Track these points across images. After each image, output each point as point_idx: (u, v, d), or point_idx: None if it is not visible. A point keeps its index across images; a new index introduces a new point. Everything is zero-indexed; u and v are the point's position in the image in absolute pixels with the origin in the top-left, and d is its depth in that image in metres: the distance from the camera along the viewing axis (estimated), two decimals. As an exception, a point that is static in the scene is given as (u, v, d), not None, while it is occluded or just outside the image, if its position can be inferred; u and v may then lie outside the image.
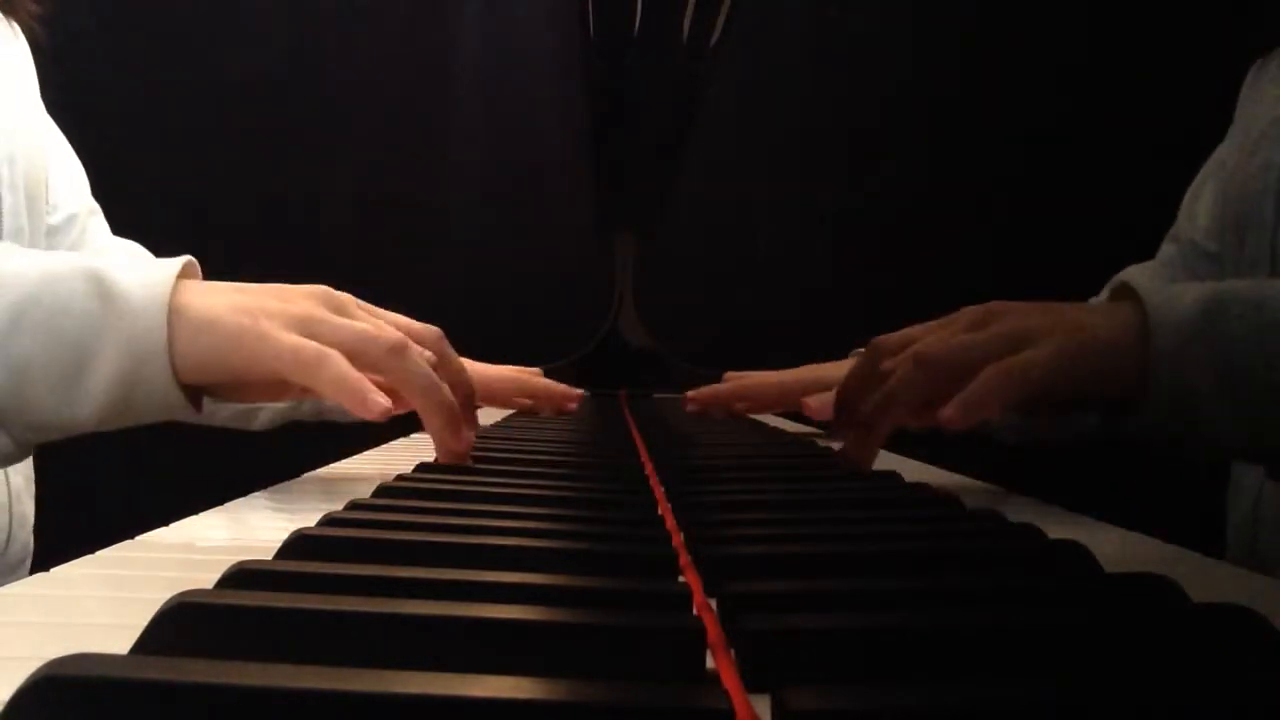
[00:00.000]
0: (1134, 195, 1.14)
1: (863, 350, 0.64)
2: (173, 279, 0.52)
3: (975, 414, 0.49)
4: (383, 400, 0.50)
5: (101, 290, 0.51)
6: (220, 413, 0.89)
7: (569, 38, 1.32)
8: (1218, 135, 0.90)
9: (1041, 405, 0.53)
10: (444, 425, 0.55)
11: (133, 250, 0.95)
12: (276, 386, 0.57)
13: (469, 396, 0.61)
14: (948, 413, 0.49)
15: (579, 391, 1.00)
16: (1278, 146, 0.78)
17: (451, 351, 0.61)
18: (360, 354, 0.52)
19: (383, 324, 0.56)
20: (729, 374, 1.02)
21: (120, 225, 0.98)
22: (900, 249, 1.59)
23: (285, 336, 0.51)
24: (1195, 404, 0.49)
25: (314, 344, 0.51)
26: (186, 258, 0.55)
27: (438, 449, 0.57)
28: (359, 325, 0.54)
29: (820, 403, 0.89)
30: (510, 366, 1.00)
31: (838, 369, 0.91)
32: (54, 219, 0.87)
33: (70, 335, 0.50)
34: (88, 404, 0.51)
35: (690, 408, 0.99)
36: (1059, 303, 0.54)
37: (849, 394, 0.63)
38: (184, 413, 0.54)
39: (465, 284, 1.58)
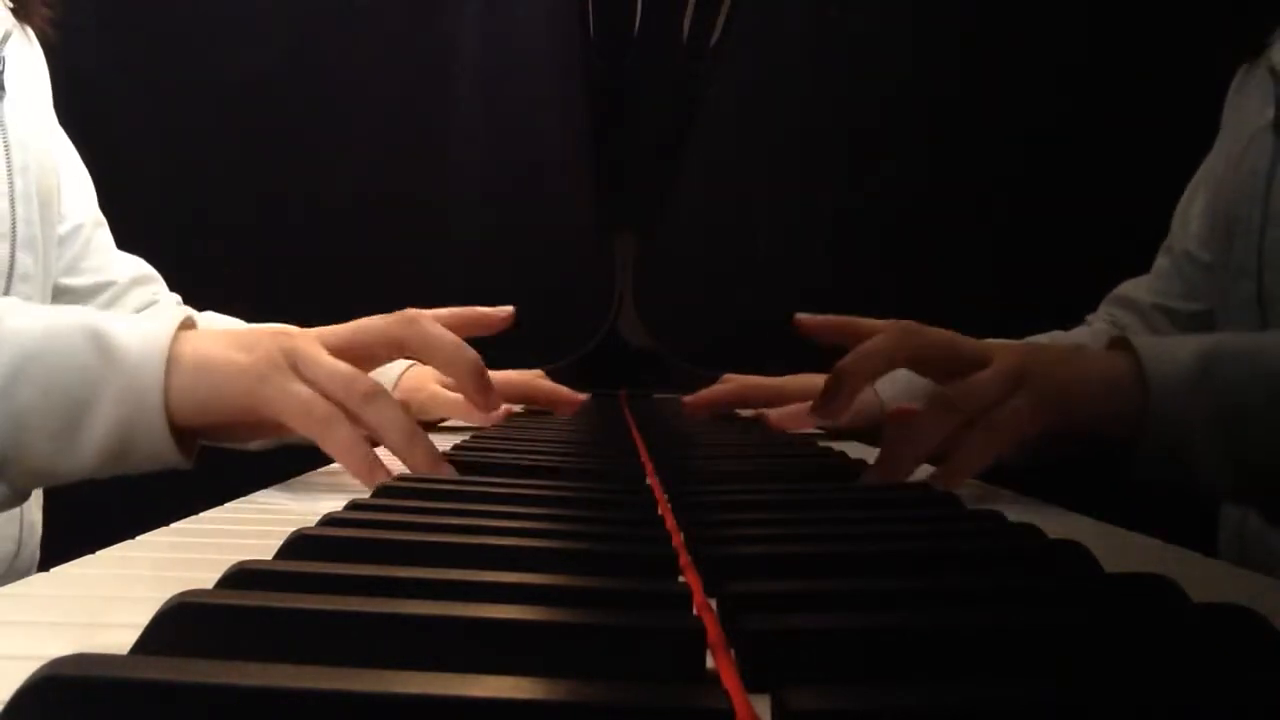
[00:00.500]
0: (1133, 196, 1.14)
1: None
2: (171, 333, 0.54)
3: (966, 476, 0.53)
4: (383, 471, 0.53)
5: (101, 345, 0.53)
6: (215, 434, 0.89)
7: (569, 38, 1.32)
8: (1212, 137, 0.91)
9: (1040, 446, 0.55)
10: (470, 377, 0.58)
11: (136, 264, 0.96)
12: (272, 428, 0.58)
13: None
14: (945, 482, 0.52)
15: (581, 396, 1.00)
16: (1264, 153, 0.78)
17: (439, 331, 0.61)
18: (365, 344, 0.57)
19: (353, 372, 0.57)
20: (727, 376, 1.02)
21: (120, 226, 0.98)
22: (900, 249, 1.59)
23: (291, 385, 0.53)
24: (1191, 451, 0.51)
25: (324, 403, 0.53)
26: (185, 312, 0.57)
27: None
28: (359, 323, 0.57)
29: (779, 415, 0.91)
30: (512, 370, 1.00)
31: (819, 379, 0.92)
32: (60, 229, 0.87)
33: (69, 389, 0.52)
34: (84, 454, 0.53)
35: (689, 412, 0.99)
36: (1055, 346, 0.57)
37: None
38: (177, 464, 0.55)
39: (465, 284, 1.57)
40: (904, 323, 0.57)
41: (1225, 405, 0.51)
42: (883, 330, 0.57)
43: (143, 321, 0.56)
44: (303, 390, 0.53)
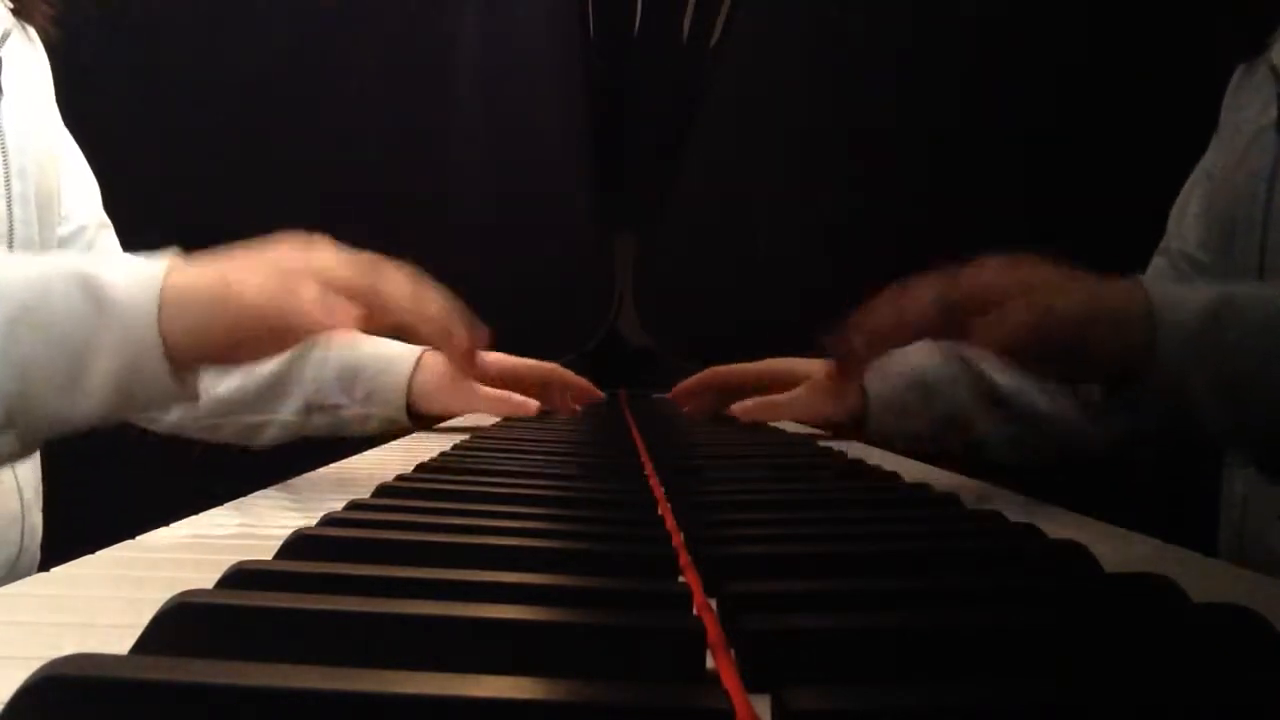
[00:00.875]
0: (1135, 196, 1.14)
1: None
2: (161, 273, 0.54)
3: (998, 335, 0.50)
4: (350, 313, 0.54)
5: (93, 292, 0.53)
6: (225, 429, 0.89)
7: (569, 38, 1.32)
8: (1208, 136, 0.91)
9: (1047, 362, 0.54)
10: (436, 330, 0.58)
11: None
12: (273, 341, 0.58)
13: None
14: (978, 335, 0.50)
15: (599, 393, 1.00)
16: (1264, 154, 0.78)
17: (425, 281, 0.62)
18: (349, 287, 0.56)
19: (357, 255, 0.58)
20: (712, 367, 1.02)
21: (120, 226, 0.98)
22: (900, 249, 1.59)
23: (263, 284, 0.54)
24: (1193, 395, 0.51)
25: (286, 284, 0.54)
26: (172, 252, 0.57)
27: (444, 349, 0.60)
28: (330, 259, 0.57)
29: (743, 408, 0.91)
30: (532, 360, 0.99)
31: (809, 364, 0.92)
32: (63, 230, 0.87)
33: (66, 338, 0.52)
34: (90, 401, 0.53)
35: (681, 404, 0.99)
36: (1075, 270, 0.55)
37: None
38: (183, 399, 0.56)
39: (465, 284, 1.57)
40: (942, 279, 0.55)
41: (1231, 354, 0.50)
42: (752, 372, 0.55)
43: (134, 262, 0.56)
44: (267, 283, 0.54)
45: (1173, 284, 0.53)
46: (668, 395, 1.01)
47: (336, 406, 0.87)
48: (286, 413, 0.87)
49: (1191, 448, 0.57)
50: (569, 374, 1.00)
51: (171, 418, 0.88)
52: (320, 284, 0.55)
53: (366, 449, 0.77)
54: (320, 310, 0.53)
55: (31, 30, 0.86)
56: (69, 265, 0.54)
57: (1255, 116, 0.81)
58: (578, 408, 1.00)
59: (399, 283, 0.57)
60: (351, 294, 0.56)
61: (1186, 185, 0.94)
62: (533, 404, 0.91)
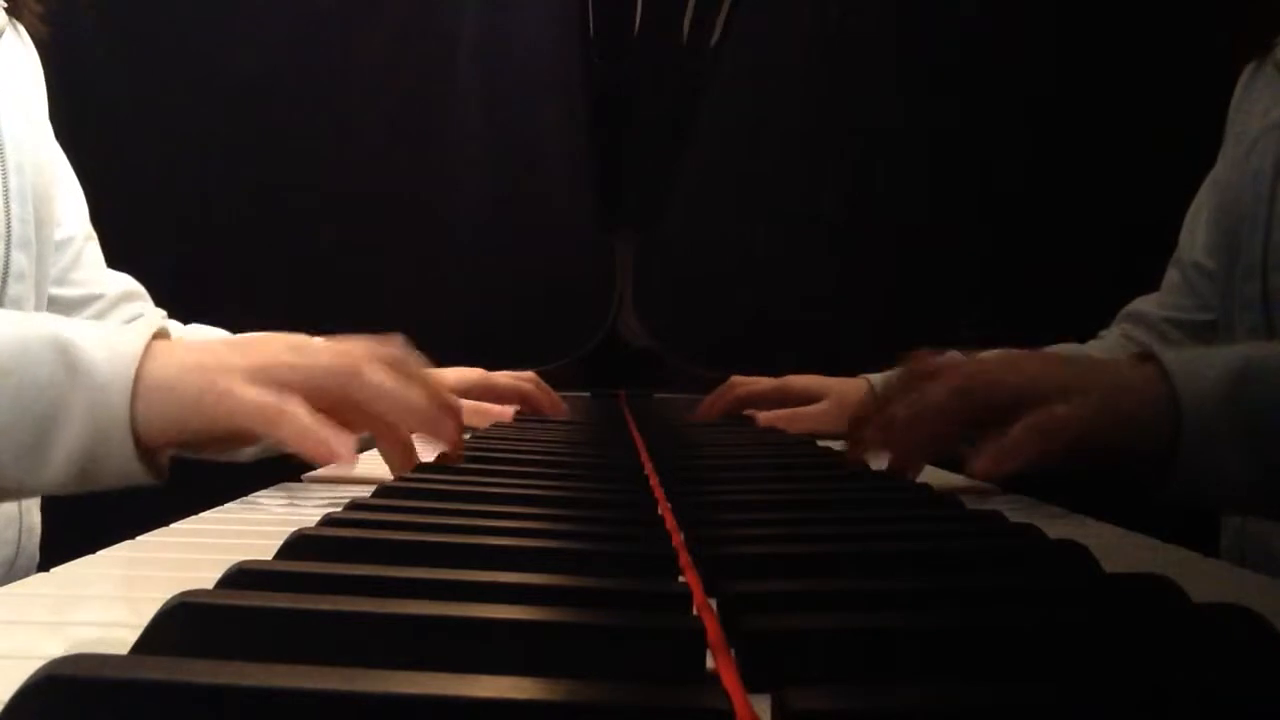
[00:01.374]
0: (1135, 196, 1.14)
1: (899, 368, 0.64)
2: (140, 351, 0.52)
3: (1008, 468, 0.51)
4: (345, 446, 0.51)
5: (69, 361, 0.51)
6: (206, 448, 0.88)
7: (569, 37, 1.32)
8: (1218, 146, 0.90)
9: (1071, 462, 0.54)
10: (421, 424, 0.55)
11: (123, 280, 0.95)
12: (245, 438, 0.56)
13: (439, 391, 0.60)
14: (981, 466, 0.51)
15: (563, 406, 0.99)
16: (1270, 151, 0.78)
17: (413, 360, 0.60)
18: (319, 390, 0.53)
19: (339, 352, 0.56)
20: (735, 378, 1.02)
21: (120, 226, 0.98)
22: (900, 249, 1.59)
23: (245, 391, 0.52)
24: (1223, 470, 0.51)
25: (274, 399, 0.51)
26: (158, 324, 0.56)
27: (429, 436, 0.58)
28: (312, 362, 0.54)
29: (769, 418, 0.93)
30: (507, 372, 0.98)
31: (840, 382, 0.94)
32: (55, 236, 0.87)
33: (37, 405, 0.51)
34: (50, 471, 0.52)
35: (698, 417, 0.99)
36: (1088, 357, 0.56)
37: (881, 406, 0.62)
38: (146, 481, 0.54)
39: (465, 284, 1.58)
40: (963, 384, 0.54)
41: (1256, 424, 0.50)
42: (775, 388, 0.56)
43: (113, 333, 0.55)
44: (251, 391, 0.52)
45: (1188, 352, 0.54)
46: (695, 414, 1.01)
47: None
48: None
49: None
50: (538, 392, 0.97)
51: None
52: (300, 393, 0.52)
53: (366, 450, 0.77)
54: (301, 439, 0.51)
55: (23, 29, 0.86)
56: (50, 329, 0.53)
57: (1261, 114, 0.81)
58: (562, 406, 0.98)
59: (376, 384, 0.54)
60: (332, 402, 0.53)
61: (1198, 195, 0.94)
62: (509, 411, 0.91)
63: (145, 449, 0.52)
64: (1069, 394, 0.52)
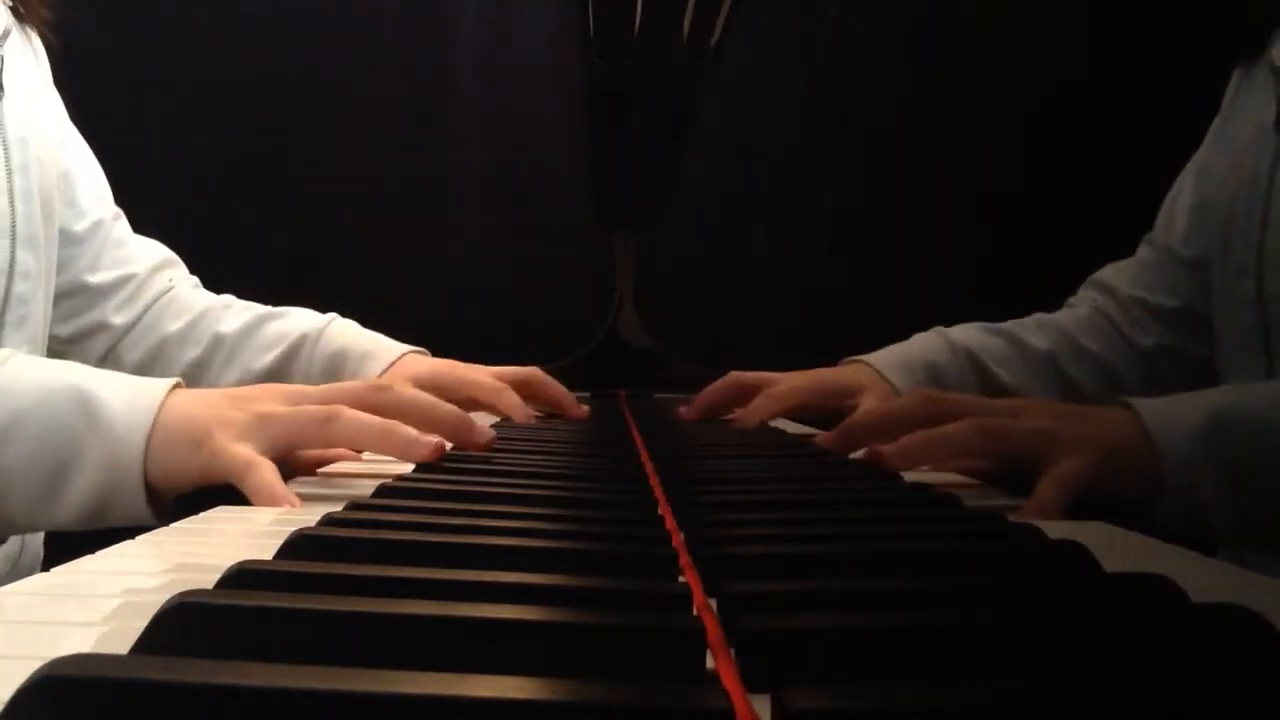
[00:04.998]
0: (1136, 195, 1.14)
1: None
2: (158, 405, 0.56)
3: (1039, 516, 0.54)
4: (287, 503, 0.53)
5: (89, 411, 0.55)
6: None
7: (569, 38, 1.32)
8: (1203, 131, 0.91)
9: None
10: (400, 447, 0.58)
11: (155, 249, 0.98)
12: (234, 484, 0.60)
13: (430, 407, 0.63)
14: (1025, 515, 0.53)
15: (584, 408, 0.98)
16: (1263, 153, 0.78)
17: (395, 393, 0.63)
18: (304, 437, 0.58)
19: (321, 399, 0.60)
20: (734, 373, 1.00)
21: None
22: (900, 249, 1.59)
23: (229, 446, 0.55)
24: (1205, 509, 0.56)
25: (248, 455, 0.55)
26: (175, 380, 0.59)
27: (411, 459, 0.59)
28: (295, 410, 0.58)
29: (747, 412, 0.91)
30: (510, 367, 0.98)
31: (836, 374, 0.92)
32: (80, 226, 0.90)
33: (54, 451, 0.55)
34: (62, 512, 0.56)
35: (686, 415, 0.96)
36: (1074, 408, 0.63)
37: (893, 426, 0.64)
38: (151, 523, 0.57)
39: (465, 284, 1.58)
40: (985, 424, 0.59)
41: (1231, 467, 0.56)
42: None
43: (135, 385, 0.58)
44: (233, 449, 0.55)
45: (1160, 402, 0.60)
46: (687, 406, 0.98)
47: None
48: None
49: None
50: (548, 385, 0.96)
51: None
52: (287, 441, 0.57)
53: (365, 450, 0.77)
54: (256, 495, 0.54)
55: (30, 29, 0.86)
56: (74, 378, 0.57)
57: (1255, 115, 0.81)
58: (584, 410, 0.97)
59: (355, 427, 0.58)
60: (323, 439, 0.58)
61: (1177, 181, 0.94)
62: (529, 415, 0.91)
63: (151, 493, 0.56)
64: (1071, 445, 0.57)
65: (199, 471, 0.56)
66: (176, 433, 0.56)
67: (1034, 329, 0.94)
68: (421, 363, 0.91)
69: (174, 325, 0.94)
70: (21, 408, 0.55)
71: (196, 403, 0.58)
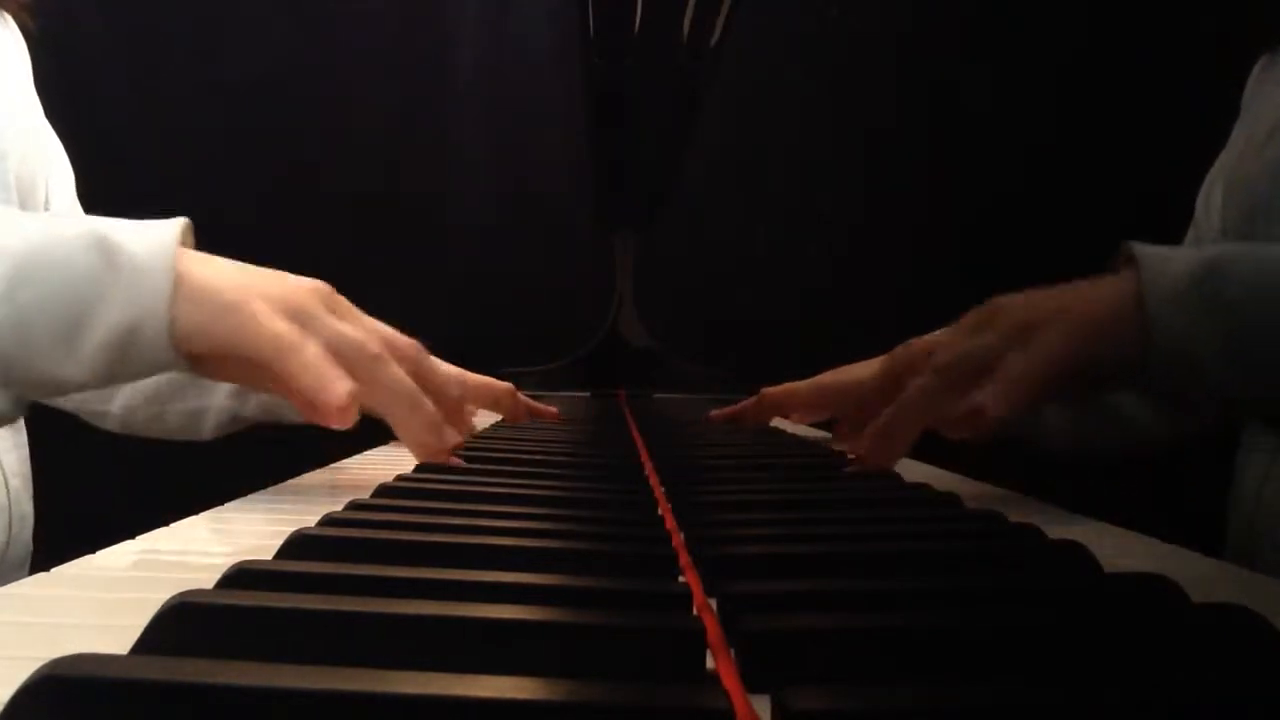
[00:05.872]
0: (1136, 195, 1.14)
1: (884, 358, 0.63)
2: (176, 243, 0.52)
3: (985, 427, 0.50)
4: (343, 396, 0.50)
5: (105, 248, 0.51)
6: (169, 419, 0.86)
7: (569, 38, 1.32)
8: (1226, 131, 0.90)
9: (1060, 396, 0.53)
10: (421, 428, 0.55)
11: None
12: (253, 371, 0.56)
13: (457, 401, 0.61)
14: (956, 435, 0.50)
15: (553, 409, 0.95)
16: None
17: (432, 364, 0.60)
18: (340, 355, 0.53)
19: (370, 332, 0.56)
20: (765, 391, 0.95)
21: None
22: (900, 248, 1.59)
23: (273, 321, 0.51)
24: (1200, 366, 0.49)
25: (295, 332, 0.51)
26: (184, 220, 0.55)
27: (415, 454, 0.57)
28: (345, 327, 0.54)
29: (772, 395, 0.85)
30: (486, 378, 0.94)
31: (856, 369, 0.87)
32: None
33: (73, 291, 0.51)
34: (84, 360, 0.51)
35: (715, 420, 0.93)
36: (1059, 286, 0.55)
37: (866, 401, 0.62)
38: (172, 368, 0.54)
39: (465, 284, 1.58)
40: (937, 362, 0.54)
41: (1227, 315, 0.49)
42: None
43: (145, 224, 0.54)
44: (278, 323, 0.51)
45: (1162, 250, 0.53)
46: (712, 414, 0.94)
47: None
48: (220, 397, 0.85)
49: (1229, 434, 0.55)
50: (516, 401, 0.91)
51: (115, 410, 0.87)
52: (326, 347, 0.52)
53: (366, 450, 0.77)
54: (303, 372, 0.51)
55: (9, 18, 0.86)
56: (83, 222, 0.53)
57: (1276, 106, 0.81)
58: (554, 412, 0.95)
59: (396, 379, 0.54)
60: (351, 369, 0.53)
61: (1210, 174, 0.93)
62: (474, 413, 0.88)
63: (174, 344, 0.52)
64: (1034, 331, 0.51)
65: (228, 335, 0.51)
66: (208, 284, 0.52)
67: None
68: None
69: None
70: (34, 247, 0.51)
71: (232, 264, 0.54)
